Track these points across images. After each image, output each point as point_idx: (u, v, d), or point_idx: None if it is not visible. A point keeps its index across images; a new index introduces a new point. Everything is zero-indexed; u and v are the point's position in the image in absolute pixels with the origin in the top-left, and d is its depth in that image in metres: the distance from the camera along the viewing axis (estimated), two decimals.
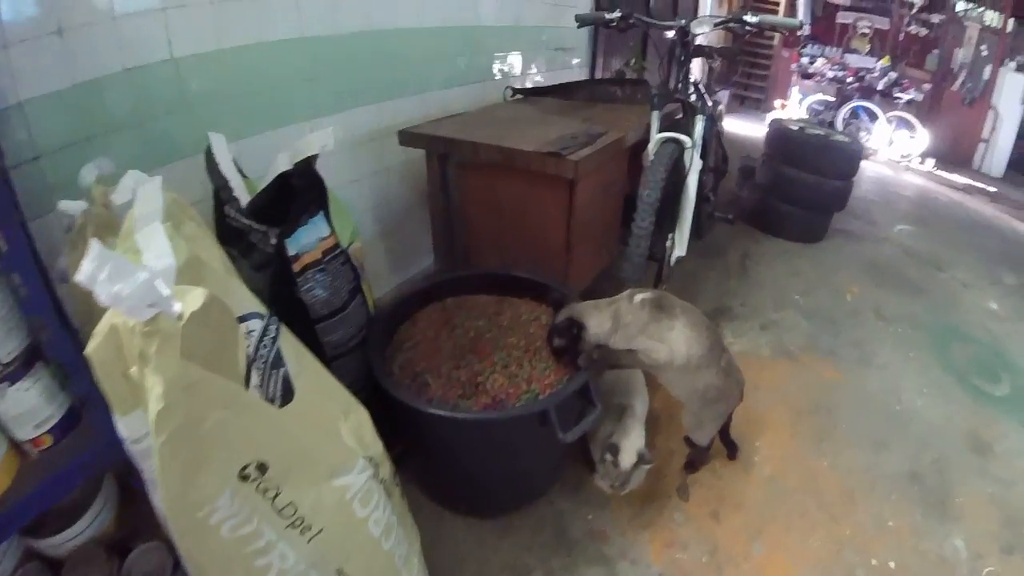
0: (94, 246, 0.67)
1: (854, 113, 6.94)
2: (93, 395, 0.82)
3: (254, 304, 0.93)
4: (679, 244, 2.09)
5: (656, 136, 1.92)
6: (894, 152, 6.72)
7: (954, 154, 7.14)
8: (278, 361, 0.90)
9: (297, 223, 1.22)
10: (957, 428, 2.09)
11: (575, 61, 3.49)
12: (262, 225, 1.19)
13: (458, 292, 1.70)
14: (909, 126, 6.68)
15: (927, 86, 7.12)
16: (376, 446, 1.00)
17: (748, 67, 8.65)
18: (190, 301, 0.73)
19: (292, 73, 1.69)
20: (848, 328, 2.65)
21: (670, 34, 1.97)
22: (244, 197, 1.23)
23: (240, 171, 1.28)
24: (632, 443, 1.45)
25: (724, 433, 1.70)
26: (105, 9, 1.22)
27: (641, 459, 1.44)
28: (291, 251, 1.21)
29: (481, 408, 1.30)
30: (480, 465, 1.40)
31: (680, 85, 2.02)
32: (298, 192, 1.21)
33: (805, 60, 7.84)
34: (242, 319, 0.87)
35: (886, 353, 2.49)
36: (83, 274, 0.66)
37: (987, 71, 7.00)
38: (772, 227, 3.67)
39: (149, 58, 1.32)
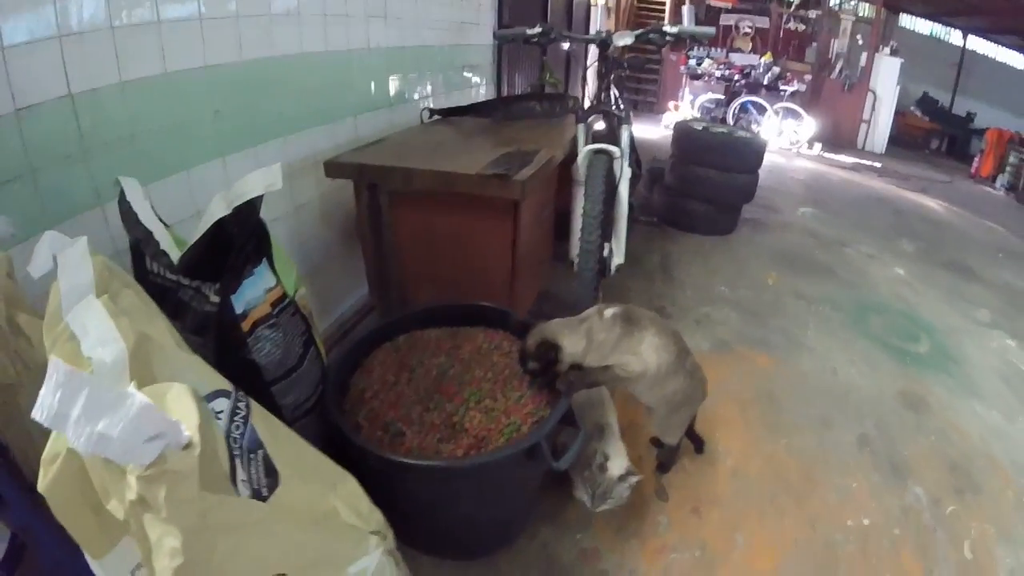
0: (57, 367, 0.50)
1: (743, 108, 7.36)
2: (37, 523, 0.66)
3: (216, 380, 0.83)
4: (617, 253, 2.11)
5: (585, 149, 1.93)
6: (784, 141, 7.18)
7: (839, 137, 7.79)
8: (255, 443, 0.80)
9: (241, 276, 1.10)
10: (890, 390, 2.25)
11: (482, 79, 3.49)
12: (194, 281, 1.07)
13: (407, 330, 1.62)
14: (796, 115, 7.19)
15: (808, 77, 7.64)
16: (375, 515, 0.92)
17: (638, 72, 8.99)
18: (185, 413, 0.59)
19: (196, 107, 1.54)
20: (773, 314, 2.79)
21: (565, 46, 2.00)
22: (171, 249, 1.10)
23: (159, 218, 1.15)
24: (620, 459, 1.44)
25: (689, 429, 1.72)
26: None
27: (629, 472, 1.42)
28: (238, 308, 1.10)
29: (465, 450, 1.23)
30: (468, 509, 1.32)
31: (604, 96, 2.05)
32: (237, 240, 1.10)
33: (693, 62, 8.22)
34: (207, 400, 0.77)
35: (812, 333, 2.64)
36: (44, 411, 0.49)
37: (863, 58, 7.65)
38: (685, 225, 3.82)
39: (44, 95, 1.15)
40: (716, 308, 2.80)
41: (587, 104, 2.23)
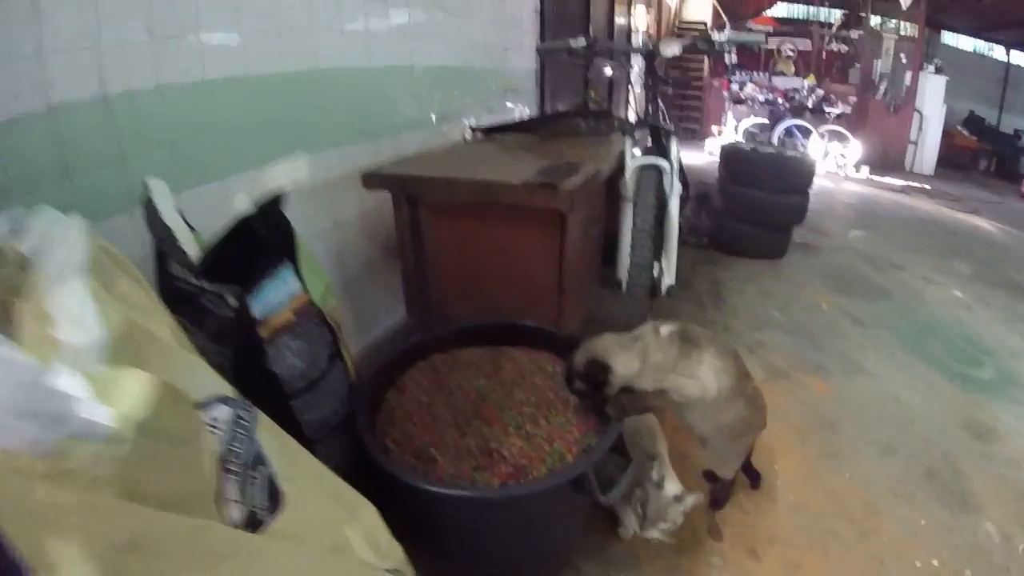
0: None
1: (788, 132, 7.18)
2: None
3: (218, 384, 0.73)
4: (668, 273, 1.99)
5: (633, 164, 1.84)
6: (831, 164, 6.97)
7: (886, 158, 7.52)
8: (259, 459, 0.70)
9: (262, 277, 1.02)
10: (955, 418, 2.10)
11: (524, 102, 3.44)
12: (215, 284, 0.99)
13: (444, 348, 1.51)
14: (842, 138, 7.00)
15: (853, 99, 7.45)
16: (396, 552, 0.80)
17: (680, 99, 8.91)
18: (126, 398, 0.47)
19: (233, 116, 1.51)
20: (829, 339, 2.66)
21: (608, 71, 1.94)
22: (193, 251, 1.03)
23: (187, 222, 1.09)
24: (674, 483, 1.31)
25: (745, 462, 1.57)
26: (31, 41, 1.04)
27: (685, 494, 1.29)
28: (257, 313, 1.01)
29: (502, 479, 1.10)
30: (503, 543, 1.19)
31: (651, 110, 1.96)
32: (260, 240, 1.02)
33: (735, 87, 8.14)
34: (203, 406, 0.68)
35: (871, 358, 2.51)
36: None
37: (907, 77, 7.41)
38: (735, 249, 3.67)
39: (80, 95, 1.13)
40: (769, 333, 2.68)
41: (633, 119, 2.14)
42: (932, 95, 7.40)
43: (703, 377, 1.26)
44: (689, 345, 1.27)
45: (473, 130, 2.48)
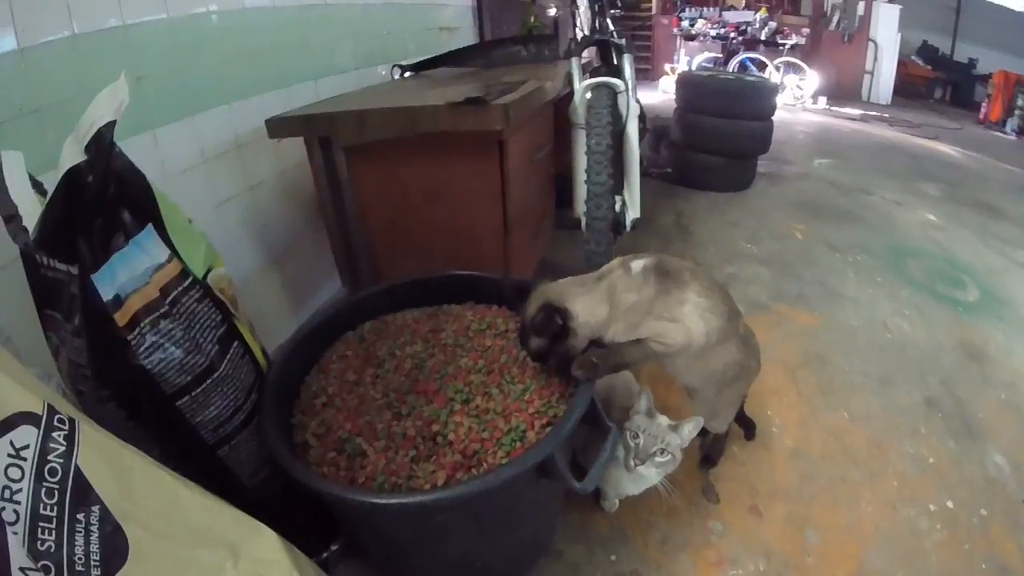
0: None
1: (742, 65, 7.05)
2: None
3: (16, 399, 0.51)
4: (631, 206, 1.77)
5: (581, 85, 1.63)
6: (788, 96, 6.86)
7: (843, 89, 7.48)
8: (83, 494, 0.50)
9: (107, 247, 0.77)
10: (946, 342, 2.04)
11: (461, 42, 3.15)
12: (52, 261, 0.76)
13: (374, 313, 1.27)
14: (797, 69, 6.89)
15: (806, 30, 7.35)
16: None
17: (630, 38, 8.67)
18: None
19: (115, 74, 1.27)
20: (807, 267, 2.56)
21: (551, 11, 1.71)
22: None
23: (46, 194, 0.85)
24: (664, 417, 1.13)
25: (739, 411, 1.40)
26: None
27: (680, 423, 1.12)
28: (107, 294, 0.77)
29: (450, 471, 0.88)
30: (459, 551, 0.98)
31: (598, 24, 1.73)
32: (97, 196, 0.77)
33: (686, 24, 7.93)
34: None
35: (852, 284, 2.43)
36: None
37: (861, 7, 7.32)
38: (698, 181, 3.49)
39: None
40: (744, 265, 2.53)
41: (579, 36, 1.91)
42: (886, 24, 7.32)
43: (687, 319, 1.04)
44: (668, 281, 1.04)
45: (402, 69, 2.21)
